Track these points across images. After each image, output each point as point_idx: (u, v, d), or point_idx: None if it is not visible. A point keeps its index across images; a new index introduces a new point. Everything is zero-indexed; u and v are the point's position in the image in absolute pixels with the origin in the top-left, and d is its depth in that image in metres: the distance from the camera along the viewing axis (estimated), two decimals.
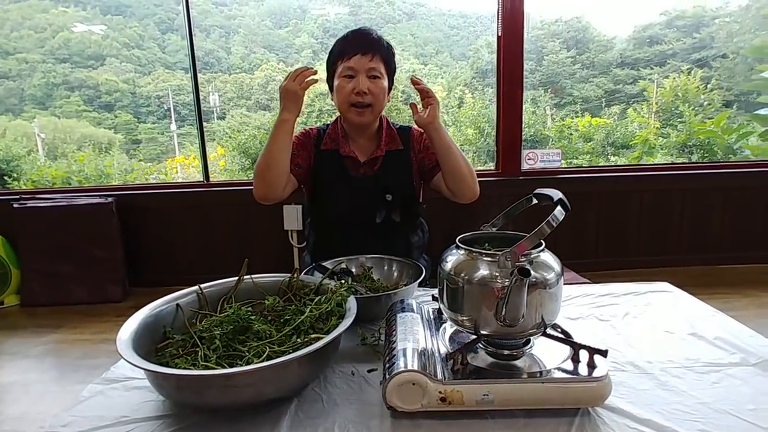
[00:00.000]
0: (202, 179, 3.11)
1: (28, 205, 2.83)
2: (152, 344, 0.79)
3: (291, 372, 0.69)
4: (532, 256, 0.70)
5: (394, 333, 0.77)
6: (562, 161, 3.04)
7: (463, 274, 0.72)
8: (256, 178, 1.25)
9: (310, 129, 1.43)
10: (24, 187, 4.30)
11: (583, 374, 0.68)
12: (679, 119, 5.67)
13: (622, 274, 2.84)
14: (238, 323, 0.78)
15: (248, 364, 0.70)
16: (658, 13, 9.13)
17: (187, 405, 0.72)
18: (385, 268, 1.18)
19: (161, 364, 0.72)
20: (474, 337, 0.75)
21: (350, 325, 0.75)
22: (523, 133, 2.94)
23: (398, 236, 1.41)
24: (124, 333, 0.73)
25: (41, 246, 2.82)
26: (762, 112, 3.95)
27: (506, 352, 0.75)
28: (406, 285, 1.06)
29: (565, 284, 0.75)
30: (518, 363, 0.74)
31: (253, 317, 0.80)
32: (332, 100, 1.38)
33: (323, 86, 1.43)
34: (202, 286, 0.92)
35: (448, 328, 0.85)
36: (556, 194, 0.75)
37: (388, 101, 1.38)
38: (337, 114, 1.41)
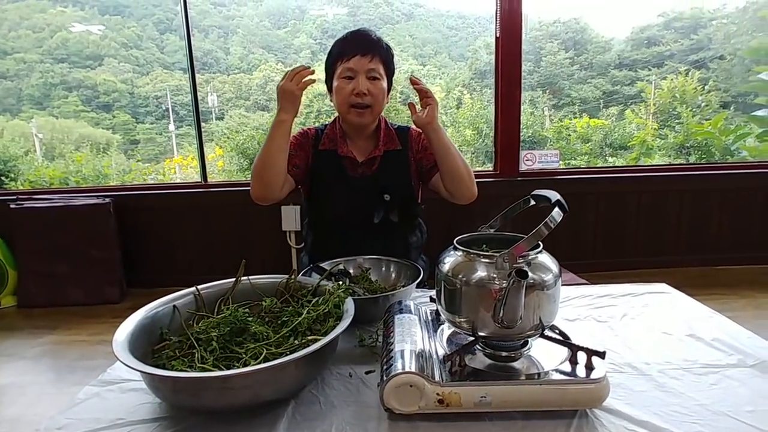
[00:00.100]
0: (200, 180, 3.11)
1: (26, 205, 2.82)
2: (149, 346, 0.78)
3: (288, 374, 0.69)
4: (529, 257, 0.70)
5: (391, 334, 0.76)
6: (560, 162, 3.04)
7: (460, 276, 0.72)
8: (254, 179, 1.25)
9: (308, 129, 1.43)
10: (21, 188, 4.28)
11: (581, 376, 0.68)
12: (676, 120, 5.69)
13: (620, 275, 2.84)
14: (235, 325, 0.78)
15: (245, 366, 0.69)
16: (655, 14, 9.19)
17: (184, 407, 0.72)
18: (383, 269, 1.18)
19: (158, 366, 0.71)
20: (472, 338, 0.75)
21: (348, 327, 0.75)
22: (521, 134, 2.94)
23: (396, 236, 1.40)
24: (120, 335, 0.73)
25: (38, 247, 2.81)
26: (759, 113, 3.97)
27: (504, 353, 0.75)
28: (404, 286, 1.06)
29: (563, 285, 0.75)
30: (516, 365, 0.74)
31: (250, 319, 0.80)
32: (331, 100, 1.37)
33: (322, 87, 1.42)
34: (200, 287, 0.92)
35: (446, 329, 0.85)
36: (553, 195, 0.75)
37: (387, 102, 1.37)
38: (336, 114, 1.41)
